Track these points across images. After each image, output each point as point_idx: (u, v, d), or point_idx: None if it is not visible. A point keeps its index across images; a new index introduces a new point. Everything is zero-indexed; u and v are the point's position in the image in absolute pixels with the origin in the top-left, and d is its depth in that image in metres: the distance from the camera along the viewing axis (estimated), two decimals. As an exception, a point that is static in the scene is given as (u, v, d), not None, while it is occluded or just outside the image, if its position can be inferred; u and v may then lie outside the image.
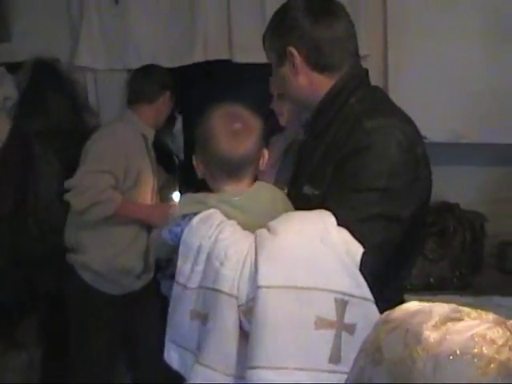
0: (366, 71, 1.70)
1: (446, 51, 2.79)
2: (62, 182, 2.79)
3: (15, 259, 2.93)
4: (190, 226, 1.53)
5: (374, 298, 1.42)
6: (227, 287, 1.44)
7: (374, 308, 1.40)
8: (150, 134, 2.95)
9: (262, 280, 1.39)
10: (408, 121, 1.60)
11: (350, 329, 1.38)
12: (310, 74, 1.62)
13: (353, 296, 1.39)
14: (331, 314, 1.37)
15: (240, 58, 2.98)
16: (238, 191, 1.60)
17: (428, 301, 2.66)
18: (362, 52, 2.74)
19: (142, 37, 3.05)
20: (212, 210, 1.55)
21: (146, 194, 2.90)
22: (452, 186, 2.90)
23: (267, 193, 1.64)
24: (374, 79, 2.83)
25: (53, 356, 3.06)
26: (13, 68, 3.15)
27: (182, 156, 3.97)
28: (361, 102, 1.60)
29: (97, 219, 2.72)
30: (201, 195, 1.62)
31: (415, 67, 2.81)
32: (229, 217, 1.55)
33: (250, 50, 2.93)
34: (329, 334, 1.37)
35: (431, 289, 2.74)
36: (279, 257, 1.42)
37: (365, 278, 1.41)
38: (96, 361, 2.76)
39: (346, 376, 1.26)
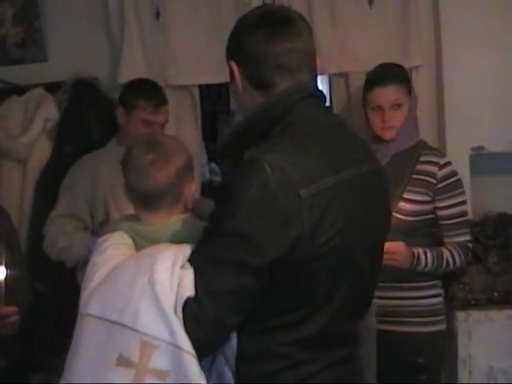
0: (309, 89, 1.57)
1: (501, 60, 2.85)
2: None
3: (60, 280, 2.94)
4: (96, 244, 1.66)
5: (239, 346, 1.47)
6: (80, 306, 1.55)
7: (189, 358, 1.38)
8: None
9: (86, 307, 1.50)
10: (308, 158, 1.45)
11: (159, 374, 1.38)
12: (250, 90, 1.56)
13: (164, 342, 1.39)
14: (134, 354, 1.39)
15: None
16: (152, 221, 1.66)
17: (493, 315, 2.68)
18: (414, 63, 2.84)
19: (183, 53, 3.09)
20: (117, 232, 1.67)
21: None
22: (511, 196, 2.93)
23: (183, 227, 1.64)
24: (427, 90, 2.92)
25: None
26: (51, 88, 3.19)
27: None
28: (278, 133, 1.51)
29: (71, 265, 2.71)
30: (121, 219, 1.76)
31: (470, 77, 2.86)
32: (136, 244, 1.64)
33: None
34: (128, 374, 1.39)
35: (496, 303, 2.75)
36: (107, 288, 1.49)
37: (203, 324, 1.41)
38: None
39: None
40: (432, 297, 2.52)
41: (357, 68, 2.93)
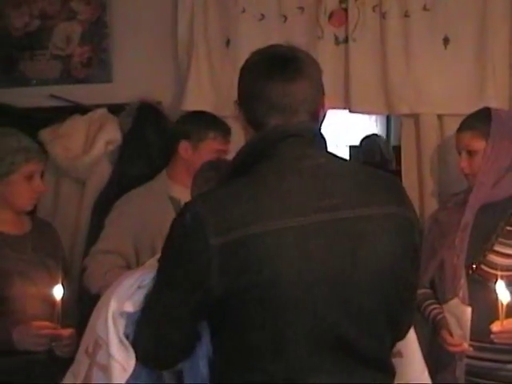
0: (290, 130, 1.57)
1: None
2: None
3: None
4: None
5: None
6: None
7: (112, 362, 1.66)
8: (183, 194, 2.65)
9: None
10: (241, 205, 1.49)
11: (103, 368, 1.69)
12: (249, 129, 1.63)
13: (105, 344, 1.69)
14: (90, 347, 1.73)
15: (356, 108, 3.08)
16: None
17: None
18: (489, 106, 2.84)
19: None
20: None
21: None
22: None
23: None
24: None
25: None
26: (113, 109, 3.29)
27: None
28: (244, 174, 1.57)
29: None
30: None
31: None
32: None
33: (366, 101, 3.04)
34: (85, 363, 1.74)
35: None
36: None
37: (134, 336, 1.65)
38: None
39: None
40: None
41: (429, 110, 2.97)
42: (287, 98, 1.57)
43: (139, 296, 1.69)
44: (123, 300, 1.69)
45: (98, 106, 3.29)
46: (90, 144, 3.16)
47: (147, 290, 1.67)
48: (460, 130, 2.57)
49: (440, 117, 2.99)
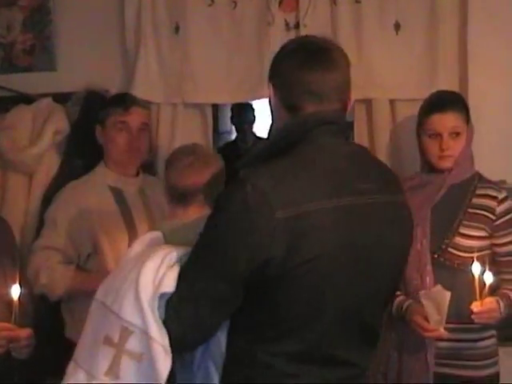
0: (326, 118, 1.69)
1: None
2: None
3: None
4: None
5: (231, 347, 1.69)
6: None
7: (156, 345, 1.64)
8: (124, 183, 2.83)
9: (97, 292, 1.81)
10: (296, 182, 1.59)
11: (134, 356, 1.68)
12: (282, 112, 1.73)
13: (138, 329, 1.67)
14: (115, 336, 1.69)
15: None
16: (185, 216, 1.96)
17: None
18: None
19: (202, 70, 3.12)
20: (149, 233, 1.99)
21: (120, 256, 2.60)
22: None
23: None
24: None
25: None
26: (59, 98, 3.21)
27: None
28: (285, 156, 1.65)
29: (54, 300, 2.69)
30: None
31: (494, 108, 2.95)
32: (166, 239, 1.91)
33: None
34: (109, 352, 1.69)
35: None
36: (111, 278, 1.81)
37: (181, 320, 1.65)
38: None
39: None
40: (487, 338, 2.52)
41: (381, 95, 3.00)
42: (324, 86, 1.67)
43: (173, 275, 1.68)
44: (157, 282, 1.68)
45: (43, 96, 3.20)
46: (36, 135, 3.08)
47: (179, 269, 1.69)
48: (443, 111, 2.53)
49: (392, 102, 3.02)
